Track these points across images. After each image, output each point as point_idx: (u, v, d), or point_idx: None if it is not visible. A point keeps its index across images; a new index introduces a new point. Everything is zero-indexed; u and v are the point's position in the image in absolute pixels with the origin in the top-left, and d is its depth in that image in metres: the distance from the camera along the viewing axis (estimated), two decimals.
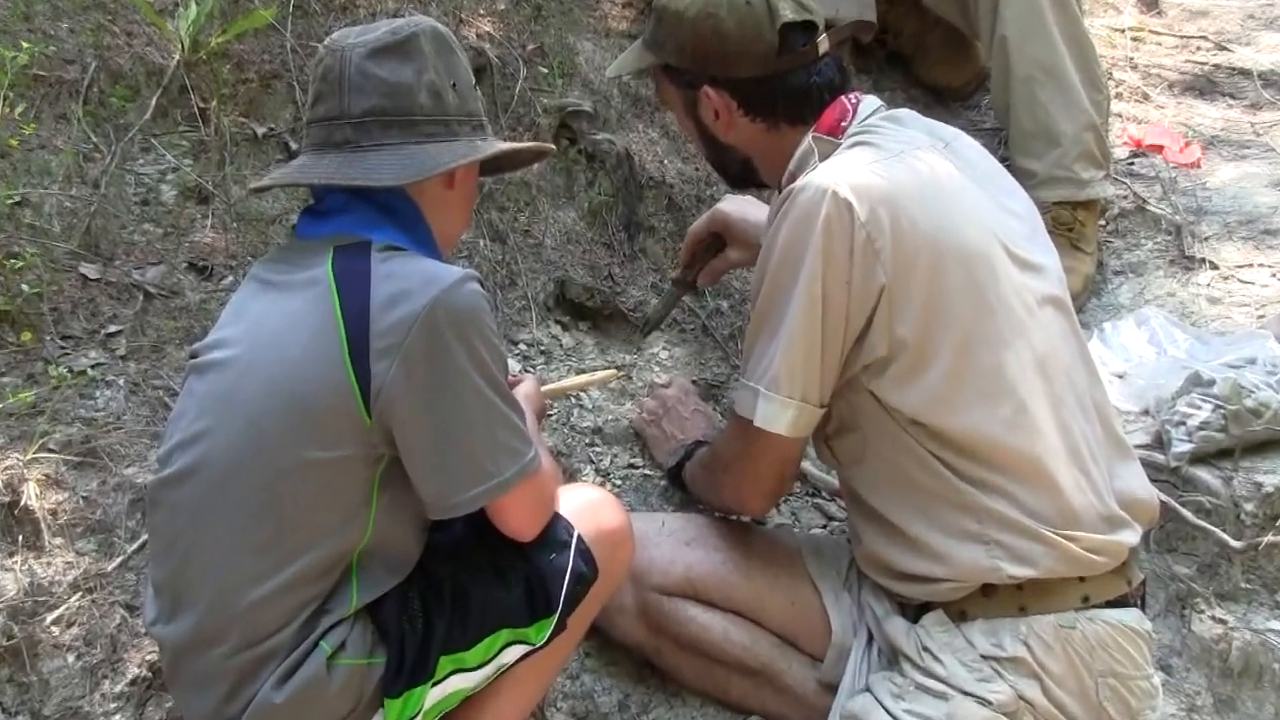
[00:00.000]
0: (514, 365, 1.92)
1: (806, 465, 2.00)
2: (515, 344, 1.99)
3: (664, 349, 2.19)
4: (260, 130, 1.98)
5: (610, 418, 2.01)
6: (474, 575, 1.25)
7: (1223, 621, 1.76)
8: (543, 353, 2.03)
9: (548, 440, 1.78)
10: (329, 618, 1.16)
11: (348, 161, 1.19)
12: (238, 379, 1.16)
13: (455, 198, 1.30)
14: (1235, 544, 1.78)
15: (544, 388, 1.63)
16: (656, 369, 2.14)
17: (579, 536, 1.29)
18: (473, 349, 1.13)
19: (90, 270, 1.74)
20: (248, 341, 1.18)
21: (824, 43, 1.43)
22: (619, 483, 1.89)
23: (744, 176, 1.58)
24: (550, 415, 1.85)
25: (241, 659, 1.14)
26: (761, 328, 1.38)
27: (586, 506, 1.35)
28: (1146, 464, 1.57)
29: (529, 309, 2.06)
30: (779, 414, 1.35)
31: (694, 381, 2.11)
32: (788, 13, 1.40)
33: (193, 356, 1.24)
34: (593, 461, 1.91)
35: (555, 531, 1.28)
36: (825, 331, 1.32)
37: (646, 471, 1.92)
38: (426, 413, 1.12)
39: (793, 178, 1.42)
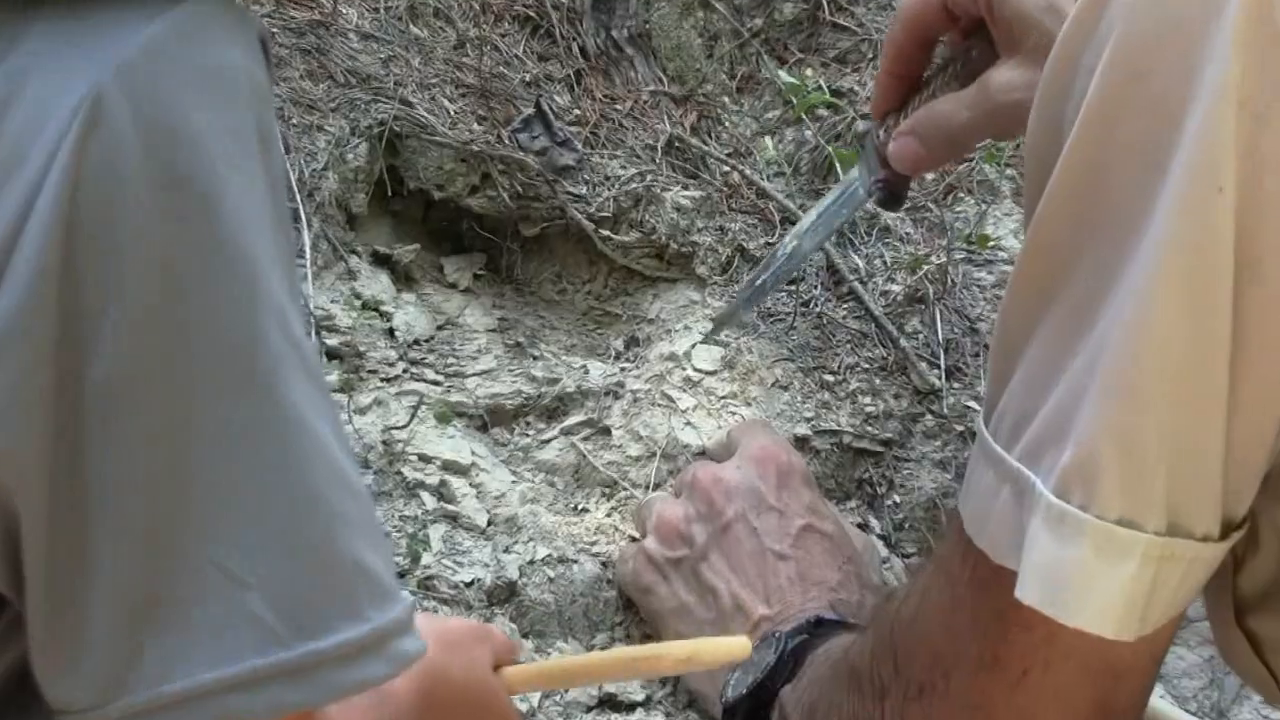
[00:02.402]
0: None
1: (1162, 705, 1.82)
2: None
3: (706, 341, 2.16)
4: None
5: (554, 545, 1.98)
6: None
7: None
8: (332, 355, 2.00)
9: None
10: None
11: None
12: None
13: None
14: None
15: (511, 669, 1.59)
16: (691, 401, 2.08)
17: None
18: (218, 237, 1.03)
19: None
20: None
21: None
22: None
23: None
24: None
25: None
26: (1050, 299, 1.32)
27: None
28: None
29: (307, 220, 2.06)
30: (1099, 577, 1.27)
31: (797, 439, 2.04)
32: None
33: None
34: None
35: None
36: (1243, 312, 1.22)
37: (665, 714, 1.91)
38: (95, 456, 1.03)
39: None
